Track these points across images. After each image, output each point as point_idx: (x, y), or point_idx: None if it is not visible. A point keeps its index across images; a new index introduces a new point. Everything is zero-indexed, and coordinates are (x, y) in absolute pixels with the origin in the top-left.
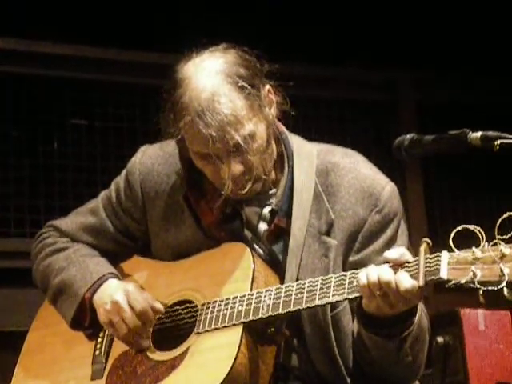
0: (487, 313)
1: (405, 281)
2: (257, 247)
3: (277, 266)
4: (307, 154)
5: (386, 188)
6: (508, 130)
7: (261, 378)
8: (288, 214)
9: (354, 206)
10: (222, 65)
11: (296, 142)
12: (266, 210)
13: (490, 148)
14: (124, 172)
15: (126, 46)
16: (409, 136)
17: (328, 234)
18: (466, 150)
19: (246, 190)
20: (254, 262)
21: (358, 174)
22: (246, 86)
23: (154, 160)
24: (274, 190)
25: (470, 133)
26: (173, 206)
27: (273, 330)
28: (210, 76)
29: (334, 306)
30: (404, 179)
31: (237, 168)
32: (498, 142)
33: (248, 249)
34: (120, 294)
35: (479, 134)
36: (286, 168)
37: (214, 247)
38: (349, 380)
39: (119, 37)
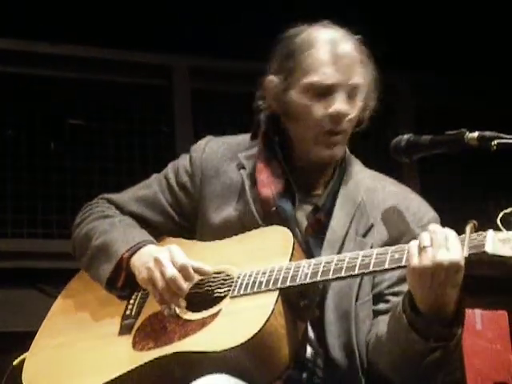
0: (484, 313)
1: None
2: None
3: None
4: (360, 171)
5: (431, 212)
6: (504, 131)
7: (285, 349)
8: (330, 212)
9: (398, 219)
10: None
11: (353, 157)
12: (311, 207)
13: (487, 148)
14: (187, 154)
15: (124, 47)
16: (406, 136)
17: (365, 236)
18: (463, 151)
19: (341, 127)
20: (294, 243)
21: (407, 196)
22: (367, 59)
23: (220, 144)
24: (323, 191)
25: (468, 133)
26: (230, 187)
27: (306, 303)
28: (336, 31)
29: (358, 296)
30: (401, 180)
31: (345, 107)
32: (495, 142)
33: (290, 232)
34: (163, 252)
35: (476, 134)
36: (337, 174)
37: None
38: (360, 371)
39: (118, 37)
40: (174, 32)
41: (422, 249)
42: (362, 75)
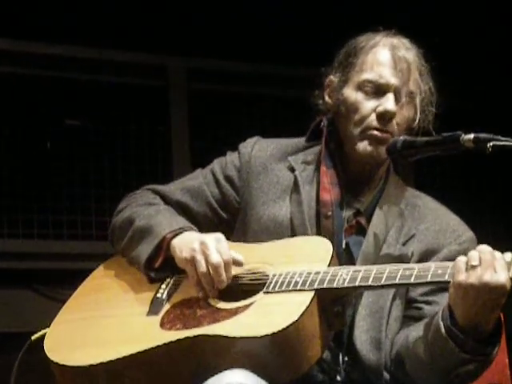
0: None
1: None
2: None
3: (350, 260)
4: (401, 186)
5: (469, 232)
6: (499, 132)
7: (311, 351)
8: (371, 218)
9: (437, 233)
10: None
11: (394, 173)
12: (352, 212)
13: (482, 150)
14: (234, 151)
15: (121, 47)
16: (401, 138)
17: (405, 244)
18: (458, 152)
19: (387, 127)
20: (333, 253)
21: (446, 213)
22: (426, 71)
23: (269, 143)
24: (367, 198)
25: (463, 135)
26: (276, 185)
27: (339, 310)
28: (399, 38)
29: (395, 296)
30: None
31: (394, 108)
32: (491, 143)
33: (330, 243)
34: (210, 238)
35: (472, 136)
36: (381, 184)
37: (301, 230)
38: (384, 366)
39: (115, 37)
40: (171, 32)
41: (470, 267)
42: (417, 84)
